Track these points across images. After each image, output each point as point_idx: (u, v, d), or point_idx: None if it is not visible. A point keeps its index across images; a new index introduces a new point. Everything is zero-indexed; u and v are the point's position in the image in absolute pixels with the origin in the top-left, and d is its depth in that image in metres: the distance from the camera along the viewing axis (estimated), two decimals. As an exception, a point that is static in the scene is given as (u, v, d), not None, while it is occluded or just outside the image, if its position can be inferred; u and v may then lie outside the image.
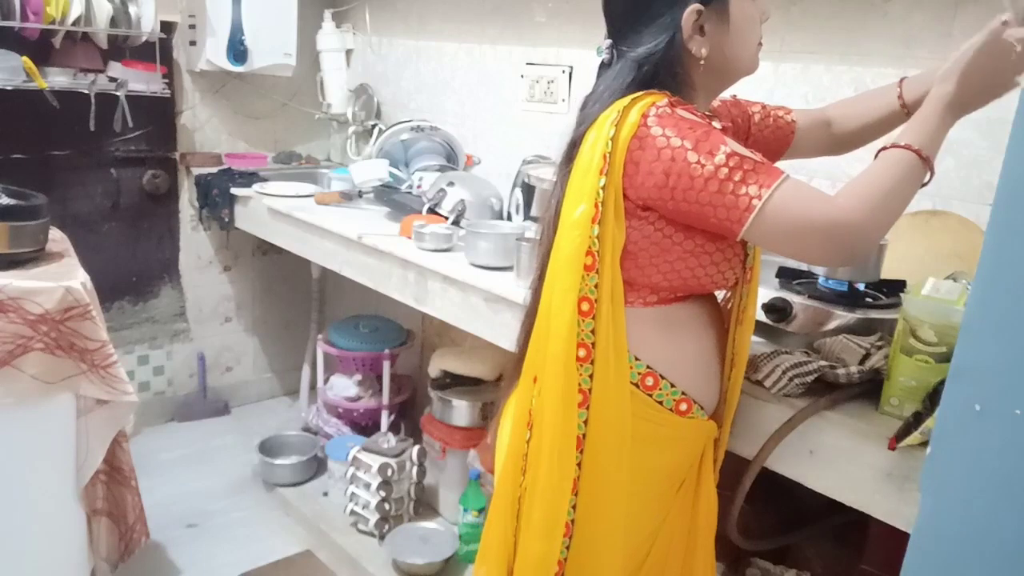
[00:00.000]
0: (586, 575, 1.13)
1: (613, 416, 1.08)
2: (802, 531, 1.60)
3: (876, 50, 1.67)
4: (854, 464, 1.14)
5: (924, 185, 1.00)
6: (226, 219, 2.80)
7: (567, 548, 1.12)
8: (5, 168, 2.55)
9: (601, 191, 1.02)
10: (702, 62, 1.09)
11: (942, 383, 0.89)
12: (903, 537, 0.86)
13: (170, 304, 3.13)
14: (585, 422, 1.07)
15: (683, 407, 1.13)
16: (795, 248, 0.99)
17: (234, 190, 2.74)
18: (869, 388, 1.18)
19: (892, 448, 1.06)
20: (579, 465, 1.08)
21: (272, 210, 2.52)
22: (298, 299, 3.36)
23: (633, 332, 1.09)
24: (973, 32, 1.50)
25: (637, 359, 1.10)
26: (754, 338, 1.44)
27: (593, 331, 1.05)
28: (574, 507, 1.10)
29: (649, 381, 1.11)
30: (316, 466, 2.77)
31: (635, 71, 1.08)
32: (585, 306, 1.04)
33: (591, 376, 1.06)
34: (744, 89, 1.91)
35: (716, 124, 1.10)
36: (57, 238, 1.98)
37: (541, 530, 1.12)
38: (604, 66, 1.15)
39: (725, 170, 0.97)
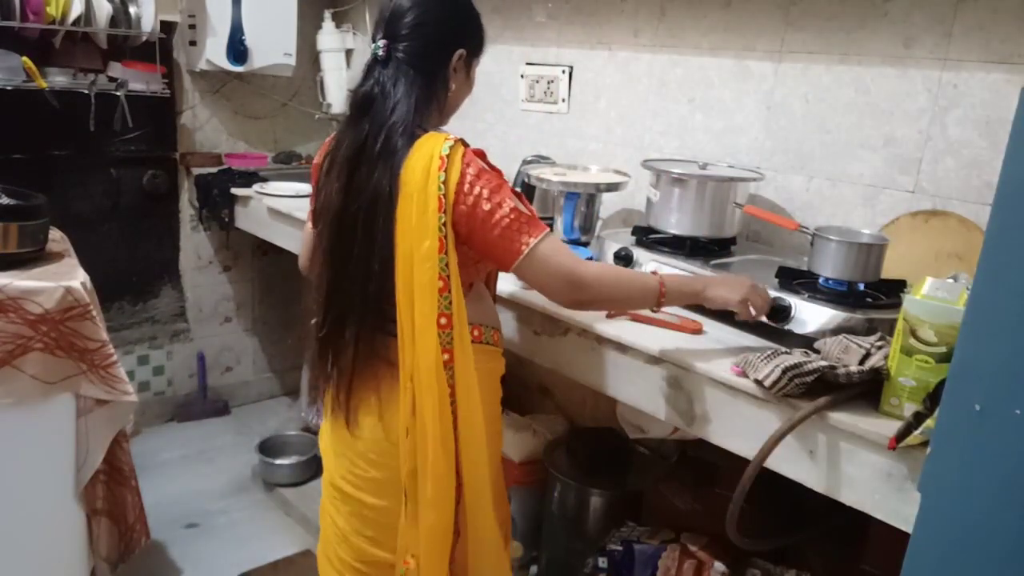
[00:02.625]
0: (478, 525, 1.34)
1: (471, 401, 1.30)
2: (802, 531, 1.60)
3: (876, 50, 1.67)
4: (854, 464, 1.14)
5: (653, 309, 1.38)
6: (226, 219, 2.80)
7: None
8: (5, 168, 2.55)
9: (442, 227, 1.23)
10: (449, 94, 1.36)
11: (942, 383, 0.89)
12: (903, 537, 0.86)
13: (170, 304, 3.13)
14: (453, 402, 1.28)
15: (496, 336, 1.44)
16: (543, 283, 1.28)
17: (234, 190, 2.74)
18: (869, 388, 1.18)
19: (892, 448, 1.05)
20: (457, 440, 1.29)
21: (272, 210, 2.52)
22: (298, 299, 3.35)
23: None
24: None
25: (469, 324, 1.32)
26: (754, 338, 1.45)
27: (451, 340, 1.27)
28: (459, 477, 1.30)
29: (476, 333, 1.37)
30: (316, 466, 2.76)
31: (425, 88, 1.31)
32: (443, 320, 1.26)
33: (452, 375, 1.27)
34: (744, 90, 1.92)
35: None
36: (57, 238, 1.98)
37: (433, 501, 1.29)
38: (377, 62, 1.31)
39: (507, 220, 1.23)
